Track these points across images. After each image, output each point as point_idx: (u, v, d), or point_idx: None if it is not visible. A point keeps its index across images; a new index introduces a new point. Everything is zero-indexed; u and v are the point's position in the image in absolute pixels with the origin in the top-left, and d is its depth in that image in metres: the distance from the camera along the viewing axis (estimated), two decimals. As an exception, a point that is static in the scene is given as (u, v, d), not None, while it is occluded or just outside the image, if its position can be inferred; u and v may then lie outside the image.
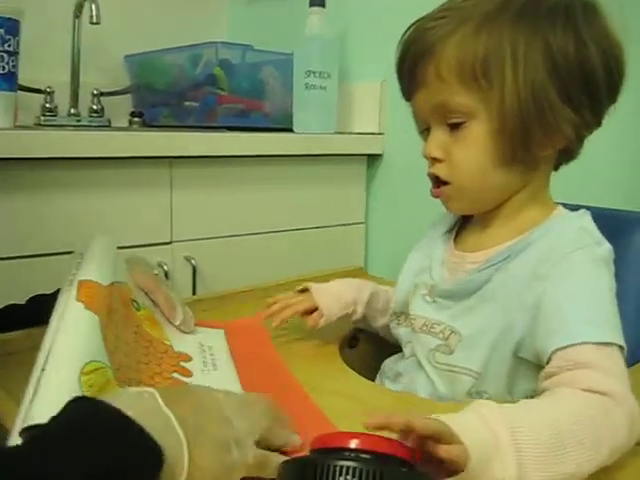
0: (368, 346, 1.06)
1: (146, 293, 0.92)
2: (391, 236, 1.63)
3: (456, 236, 0.88)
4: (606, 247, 0.76)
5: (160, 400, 0.53)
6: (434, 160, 0.80)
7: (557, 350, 0.68)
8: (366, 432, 0.48)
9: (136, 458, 0.48)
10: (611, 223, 0.82)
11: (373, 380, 0.89)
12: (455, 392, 0.79)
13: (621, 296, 0.75)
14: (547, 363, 0.70)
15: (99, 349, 0.68)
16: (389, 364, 0.93)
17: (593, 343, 0.67)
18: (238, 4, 2.04)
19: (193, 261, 1.32)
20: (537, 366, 0.73)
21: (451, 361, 0.79)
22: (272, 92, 1.65)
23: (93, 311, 0.70)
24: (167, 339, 0.88)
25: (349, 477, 0.43)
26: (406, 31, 0.81)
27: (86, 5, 1.59)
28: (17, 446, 0.47)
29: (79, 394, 0.59)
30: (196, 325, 0.95)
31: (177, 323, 0.92)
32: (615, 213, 0.97)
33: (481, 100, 0.75)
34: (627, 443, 0.63)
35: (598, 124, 0.78)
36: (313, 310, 0.95)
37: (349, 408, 0.73)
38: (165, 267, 1.29)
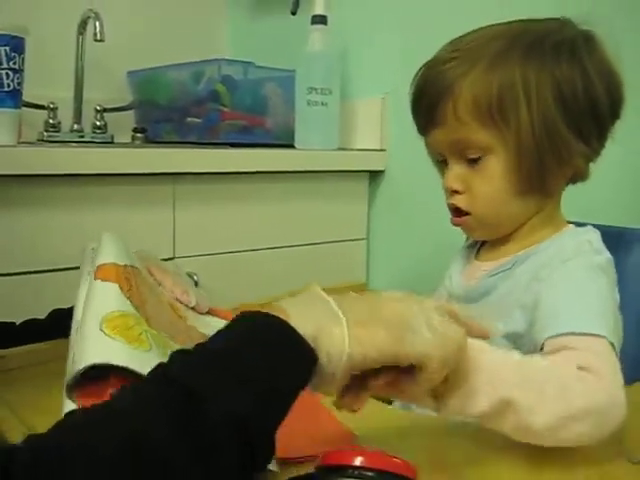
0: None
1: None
2: (393, 252, 1.63)
3: (479, 249, 0.93)
4: (605, 256, 0.80)
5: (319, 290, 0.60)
6: (454, 192, 0.84)
7: (546, 340, 0.72)
8: (370, 450, 0.49)
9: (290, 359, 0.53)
10: (612, 239, 0.85)
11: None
12: None
13: (621, 312, 0.77)
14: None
15: (123, 302, 0.70)
16: None
17: (580, 333, 0.70)
18: (240, 21, 2.06)
19: (195, 277, 1.33)
20: None
21: None
22: (274, 108, 1.66)
23: (112, 282, 0.71)
24: (189, 320, 0.88)
25: (352, 495, 0.43)
26: (419, 71, 0.85)
27: (90, 22, 1.60)
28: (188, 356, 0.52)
29: (103, 340, 0.62)
30: (210, 313, 0.95)
31: (191, 305, 0.93)
32: (615, 230, 0.98)
33: (498, 136, 0.79)
34: (605, 412, 0.65)
35: (603, 147, 0.83)
36: None
37: (352, 423, 0.73)
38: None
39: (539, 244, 0.83)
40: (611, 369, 0.68)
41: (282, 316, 0.54)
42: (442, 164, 0.86)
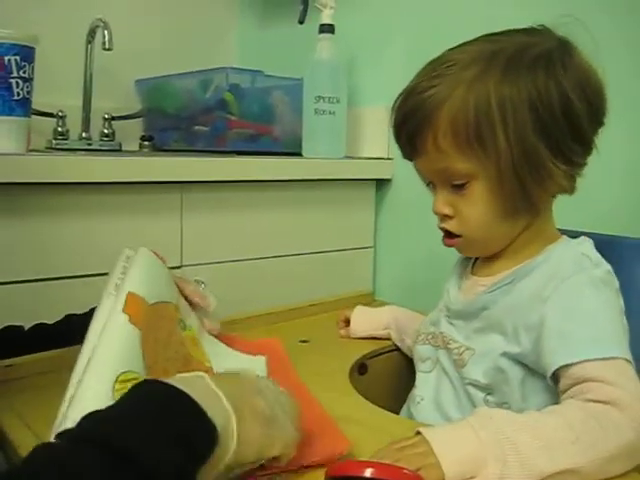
0: (377, 373, 1.06)
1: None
2: (400, 260, 1.63)
3: (474, 263, 0.94)
4: (604, 268, 0.81)
5: (209, 381, 0.58)
6: (444, 216, 0.85)
7: (560, 368, 0.73)
8: (380, 461, 0.49)
9: (197, 434, 0.52)
10: (613, 250, 0.85)
11: (381, 407, 0.90)
12: (475, 403, 0.84)
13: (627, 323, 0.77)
14: (554, 381, 0.75)
15: (137, 361, 0.70)
16: None
17: (594, 359, 0.71)
18: (248, 30, 2.07)
19: (203, 285, 1.32)
20: (544, 377, 0.77)
21: (464, 374, 0.85)
22: (282, 117, 1.66)
23: (137, 326, 0.71)
24: (208, 360, 0.88)
25: (363, 507, 0.43)
26: (398, 97, 0.85)
27: (98, 31, 1.61)
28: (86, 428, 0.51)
29: (111, 401, 0.61)
30: (229, 346, 0.97)
31: (211, 309, 0.97)
32: (616, 239, 0.98)
33: (478, 162, 0.80)
34: (634, 444, 0.66)
35: (588, 158, 0.83)
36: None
37: (359, 434, 0.73)
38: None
39: (535, 257, 0.84)
40: (632, 394, 0.68)
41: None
42: (432, 186, 0.87)
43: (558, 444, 0.64)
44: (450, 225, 0.85)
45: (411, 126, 0.82)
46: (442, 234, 0.88)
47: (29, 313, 1.03)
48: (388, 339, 1.13)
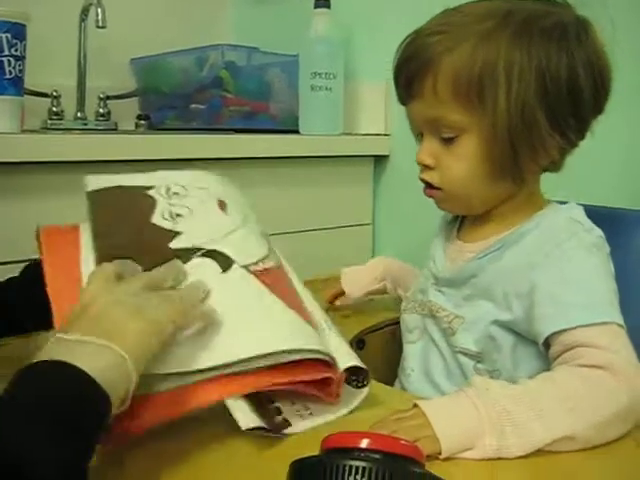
0: (375, 348, 1.06)
1: None
2: (398, 237, 1.62)
3: (459, 228, 0.92)
4: (596, 233, 0.80)
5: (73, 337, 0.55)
6: (425, 167, 0.84)
7: (553, 334, 0.73)
8: (377, 432, 0.48)
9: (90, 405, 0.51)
10: (612, 222, 0.85)
11: (380, 381, 0.89)
12: (465, 372, 0.84)
13: (625, 297, 0.77)
14: (545, 347, 0.75)
15: None
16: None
17: (586, 325, 0.71)
18: (243, 6, 2.05)
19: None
20: (535, 343, 0.77)
21: (453, 342, 0.85)
22: (278, 94, 1.65)
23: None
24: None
25: (358, 477, 0.42)
26: (405, 40, 0.84)
27: (92, 9, 1.59)
28: None
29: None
30: None
31: None
32: (616, 212, 0.98)
33: (473, 117, 0.78)
34: (628, 410, 0.66)
35: (582, 139, 0.82)
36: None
37: (358, 408, 0.73)
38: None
39: (523, 224, 0.83)
40: (625, 358, 0.69)
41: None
42: (421, 138, 0.85)
43: (553, 413, 0.64)
44: (430, 176, 0.84)
45: (413, 67, 0.81)
46: (424, 185, 0.86)
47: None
48: (385, 292, 1.12)
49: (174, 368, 0.61)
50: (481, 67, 0.76)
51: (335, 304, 1.14)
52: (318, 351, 0.66)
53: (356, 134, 1.67)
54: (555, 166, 0.84)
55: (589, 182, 1.11)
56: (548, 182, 0.87)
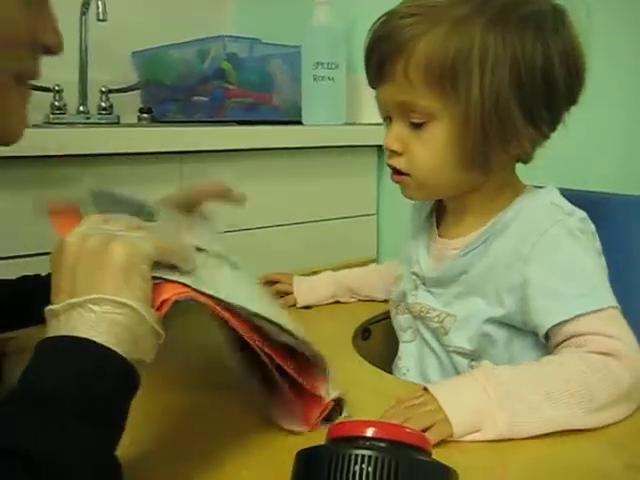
0: (380, 338, 1.06)
1: None
2: (403, 227, 1.61)
3: (438, 224, 0.91)
4: (578, 216, 0.80)
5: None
6: (393, 152, 0.82)
7: (554, 327, 0.73)
8: (382, 421, 0.48)
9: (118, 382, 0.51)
10: (596, 206, 0.85)
11: (385, 371, 0.89)
12: (460, 371, 0.83)
13: (626, 279, 0.78)
14: (546, 339, 0.75)
15: None
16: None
17: (586, 314, 0.71)
18: (244, -3, 2.04)
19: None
20: (532, 334, 0.78)
21: (446, 341, 0.84)
22: (280, 85, 1.64)
23: None
24: None
25: (364, 465, 0.42)
26: (377, 21, 0.82)
27: (92, 2, 1.59)
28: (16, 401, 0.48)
29: None
30: None
31: None
32: (599, 197, 0.98)
33: (445, 104, 0.77)
34: (632, 392, 0.68)
35: (554, 131, 0.81)
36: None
37: (364, 398, 0.73)
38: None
39: (503, 212, 0.82)
40: (626, 341, 0.70)
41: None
42: (388, 121, 0.84)
43: (561, 395, 0.65)
44: (397, 162, 0.82)
45: (384, 49, 0.79)
46: (391, 171, 0.85)
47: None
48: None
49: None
50: (454, 54, 0.74)
51: (279, 302, 1.10)
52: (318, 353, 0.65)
53: (359, 124, 1.66)
54: (527, 156, 0.82)
55: (587, 169, 1.11)
56: (546, 169, 0.86)
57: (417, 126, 0.79)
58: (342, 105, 1.58)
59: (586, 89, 0.81)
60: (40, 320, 0.55)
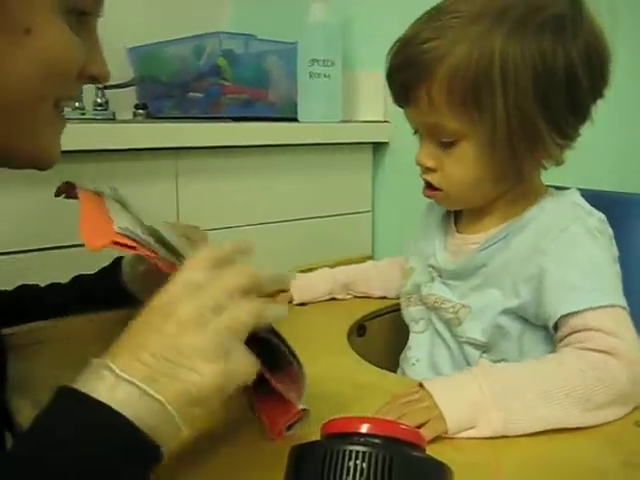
0: (376, 335, 1.06)
1: None
2: (398, 224, 1.62)
3: (456, 221, 0.92)
4: (597, 217, 0.81)
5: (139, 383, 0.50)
6: (427, 169, 0.84)
7: (562, 317, 0.73)
8: (377, 417, 0.48)
9: (135, 457, 0.48)
10: (616, 206, 0.85)
11: (381, 368, 0.90)
12: (470, 362, 0.84)
13: (627, 280, 0.78)
14: (555, 330, 0.76)
15: None
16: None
17: (595, 308, 0.72)
18: (241, -6, 2.04)
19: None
20: (543, 328, 0.79)
21: (459, 332, 0.85)
22: (276, 82, 1.64)
23: None
24: None
25: (359, 462, 0.42)
26: (395, 44, 0.82)
27: (88, -2, 1.58)
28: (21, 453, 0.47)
29: None
30: None
31: None
32: (619, 196, 0.98)
33: (471, 124, 0.78)
34: (629, 393, 0.68)
35: (582, 124, 0.81)
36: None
37: (359, 395, 0.73)
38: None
39: (525, 212, 0.83)
40: (629, 343, 0.70)
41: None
42: (419, 135, 0.86)
43: (558, 394, 0.65)
44: (432, 178, 0.84)
45: (406, 76, 0.80)
46: (423, 184, 0.87)
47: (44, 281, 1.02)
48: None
49: None
50: (476, 70, 0.75)
51: (276, 299, 1.08)
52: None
53: (355, 121, 1.66)
54: (556, 162, 0.83)
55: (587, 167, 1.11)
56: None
57: (447, 145, 0.80)
58: (338, 102, 1.58)
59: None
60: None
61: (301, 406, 0.63)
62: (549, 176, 0.87)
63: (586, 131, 0.82)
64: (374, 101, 1.62)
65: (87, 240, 0.60)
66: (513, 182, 0.82)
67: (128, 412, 0.48)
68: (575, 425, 0.66)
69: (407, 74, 0.80)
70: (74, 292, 0.94)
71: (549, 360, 0.71)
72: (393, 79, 0.83)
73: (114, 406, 0.48)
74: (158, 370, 0.51)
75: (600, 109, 0.81)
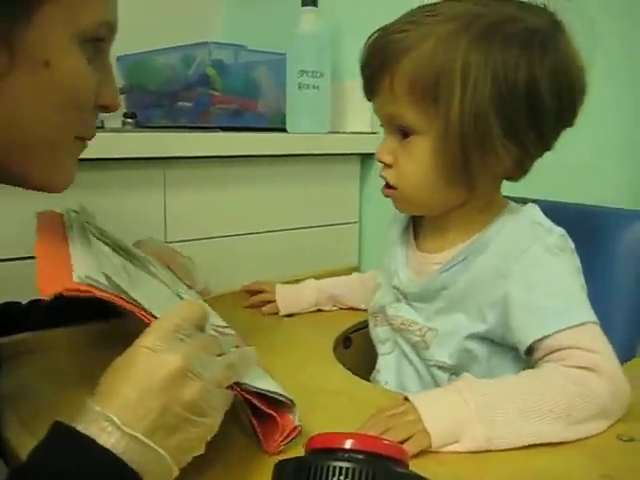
0: (362, 347, 1.06)
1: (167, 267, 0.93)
2: (384, 235, 1.62)
3: (416, 236, 0.92)
4: (557, 233, 0.80)
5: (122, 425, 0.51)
6: (385, 165, 0.84)
7: (535, 342, 0.73)
8: (361, 433, 0.49)
9: None
10: (598, 221, 0.85)
11: (366, 380, 0.90)
12: (440, 384, 0.84)
13: (609, 294, 0.78)
14: (528, 354, 0.76)
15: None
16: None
17: (566, 329, 0.72)
18: (231, 4, 2.04)
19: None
20: (511, 349, 0.79)
21: (428, 356, 0.85)
22: (265, 92, 1.64)
23: None
24: None
25: (342, 477, 0.43)
26: (371, 36, 0.84)
27: (78, 6, 1.58)
28: None
29: None
30: None
31: (199, 289, 0.95)
32: (602, 210, 0.99)
33: (427, 119, 0.78)
34: (610, 407, 0.69)
35: (545, 151, 0.81)
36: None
37: (343, 407, 0.74)
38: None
39: (485, 231, 0.82)
40: (607, 357, 0.70)
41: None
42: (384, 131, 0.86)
43: (540, 409, 0.66)
44: (388, 174, 0.84)
45: (373, 65, 0.82)
46: (382, 184, 0.87)
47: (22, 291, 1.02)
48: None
49: None
50: (438, 69, 0.76)
51: (262, 310, 1.14)
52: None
53: (343, 132, 1.67)
54: (514, 175, 0.83)
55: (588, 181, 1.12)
56: (539, 180, 0.87)
57: (404, 135, 0.81)
58: (326, 114, 1.58)
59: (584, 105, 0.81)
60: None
61: (296, 422, 0.64)
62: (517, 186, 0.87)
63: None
64: (362, 112, 1.63)
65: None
66: (465, 189, 0.81)
67: (126, 457, 0.49)
68: (558, 440, 0.66)
69: (374, 63, 0.82)
70: (58, 304, 0.94)
71: (531, 375, 0.71)
72: (363, 67, 0.85)
73: (115, 452, 0.49)
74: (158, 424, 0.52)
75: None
